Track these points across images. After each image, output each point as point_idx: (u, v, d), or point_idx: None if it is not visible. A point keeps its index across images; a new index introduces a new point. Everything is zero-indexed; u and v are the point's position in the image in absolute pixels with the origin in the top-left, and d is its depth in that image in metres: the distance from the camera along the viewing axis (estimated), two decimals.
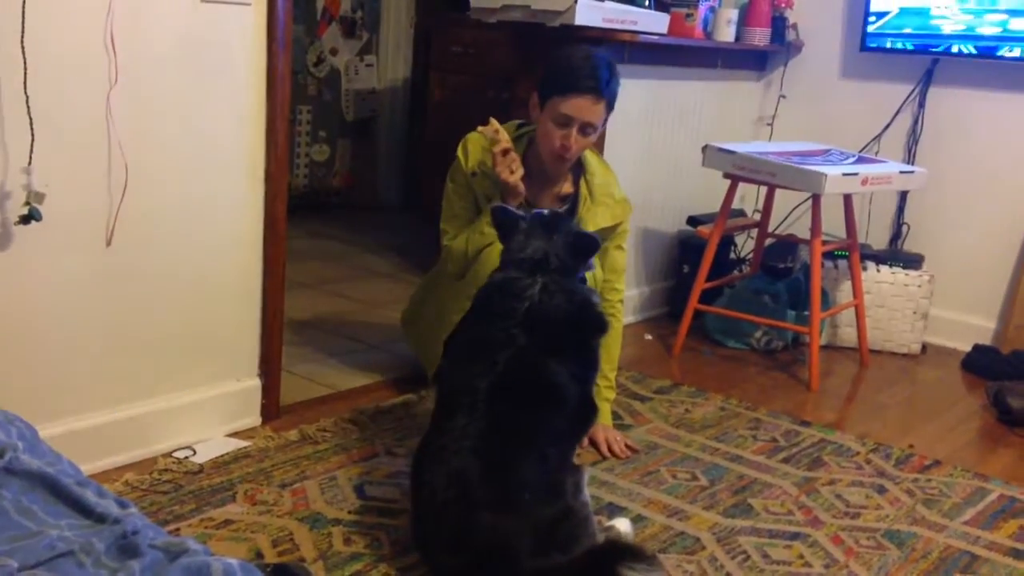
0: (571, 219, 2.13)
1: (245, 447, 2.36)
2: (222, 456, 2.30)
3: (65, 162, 1.98)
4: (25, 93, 1.86)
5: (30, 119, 1.87)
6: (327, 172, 5.21)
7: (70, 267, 2.05)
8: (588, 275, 2.63)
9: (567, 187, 2.65)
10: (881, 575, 2.05)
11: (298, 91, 4.85)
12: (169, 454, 2.28)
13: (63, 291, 2.05)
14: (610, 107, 2.50)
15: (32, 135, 1.88)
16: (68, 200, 1.99)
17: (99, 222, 2.07)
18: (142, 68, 2.06)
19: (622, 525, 2.06)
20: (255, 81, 2.29)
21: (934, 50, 3.68)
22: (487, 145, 2.55)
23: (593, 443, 2.55)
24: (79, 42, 1.95)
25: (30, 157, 1.89)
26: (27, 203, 1.90)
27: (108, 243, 2.09)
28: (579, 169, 2.63)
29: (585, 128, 2.46)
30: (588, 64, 2.43)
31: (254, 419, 2.50)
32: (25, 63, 1.85)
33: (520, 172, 2.47)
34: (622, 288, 2.76)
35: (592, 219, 2.63)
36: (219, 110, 2.24)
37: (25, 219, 1.89)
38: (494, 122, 2.49)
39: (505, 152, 2.46)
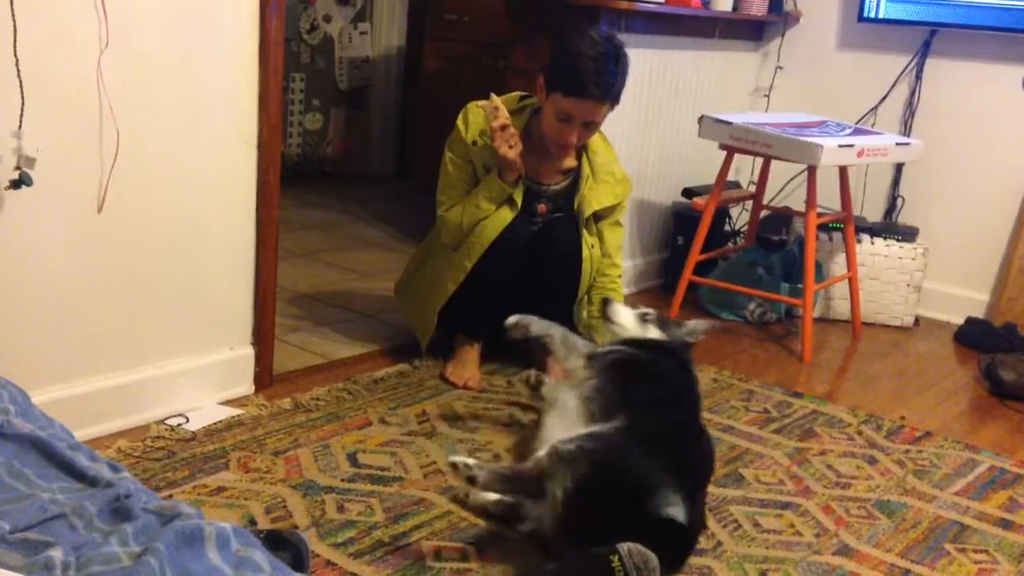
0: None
1: (238, 415, 2.36)
2: (215, 424, 2.30)
3: (56, 126, 1.96)
4: (15, 56, 1.83)
5: (20, 82, 1.85)
6: (320, 141, 5.17)
7: (61, 233, 2.03)
8: (586, 252, 2.64)
9: (569, 161, 2.64)
10: (871, 544, 2.07)
11: (291, 58, 4.81)
12: (162, 421, 2.28)
13: (54, 257, 2.04)
14: (615, 103, 2.48)
15: (22, 98, 1.86)
16: (59, 165, 1.97)
17: (90, 188, 2.05)
18: (133, 31, 2.03)
19: None
20: (247, 46, 2.27)
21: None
22: (487, 118, 2.53)
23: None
24: (69, 4, 1.92)
25: (20, 120, 1.87)
26: (18, 168, 1.88)
27: (100, 209, 2.07)
28: (582, 145, 2.61)
29: (588, 124, 2.46)
30: (596, 66, 2.37)
31: (247, 387, 2.50)
32: (15, 25, 1.82)
33: (518, 148, 2.46)
34: (620, 263, 2.76)
35: (596, 197, 2.62)
36: (211, 75, 2.21)
37: (16, 184, 1.88)
38: (494, 97, 2.48)
39: (503, 127, 2.44)
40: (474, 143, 2.55)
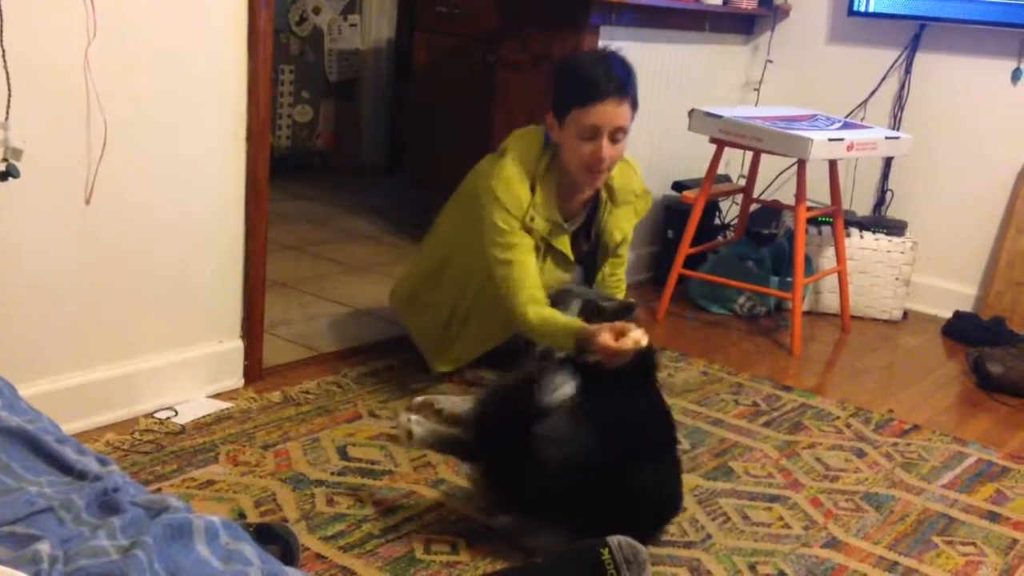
0: None
1: (227, 408, 2.35)
2: (204, 417, 2.29)
3: (43, 118, 1.94)
4: (1, 46, 1.82)
5: (7, 73, 1.84)
6: (310, 133, 5.16)
7: (49, 225, 2.02)
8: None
9: (588, 191, 2.56)
10: (860, 537, 2.07)
11: (280, 50, 4.79)
12: (151, 415, 2.27)
13: (42, 249, 2.02)
14: (635, 106, 2.33)
15: (9, 89, 1.85)
16: (47, 157, 1.96)
17: (78, 179, 2.04)
18: (120, 22, 2.02)
19: None
20: (236, 37, 2.25)
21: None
22: (524, 177, 2.36)
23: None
24: None
25: (7, 112, 1.86)
26: (4, 159, 1.87)
27: (87, 201, 2.06)
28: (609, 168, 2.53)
29: (615, 134, 2.30)
30: (603, 67, 2.28)
31: (236, 380, 2.49)
32: (1, 16, 1.81)
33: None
34: (626, 257, 2.70)
35: (617, 223, 2.51)
36: (199, 67, 2.20)
37: (3, 176, 1.87)
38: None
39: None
40: (528, 219, 2.35)
